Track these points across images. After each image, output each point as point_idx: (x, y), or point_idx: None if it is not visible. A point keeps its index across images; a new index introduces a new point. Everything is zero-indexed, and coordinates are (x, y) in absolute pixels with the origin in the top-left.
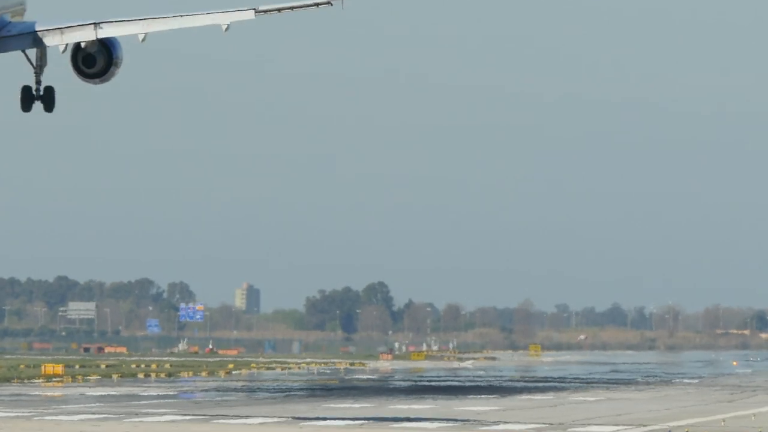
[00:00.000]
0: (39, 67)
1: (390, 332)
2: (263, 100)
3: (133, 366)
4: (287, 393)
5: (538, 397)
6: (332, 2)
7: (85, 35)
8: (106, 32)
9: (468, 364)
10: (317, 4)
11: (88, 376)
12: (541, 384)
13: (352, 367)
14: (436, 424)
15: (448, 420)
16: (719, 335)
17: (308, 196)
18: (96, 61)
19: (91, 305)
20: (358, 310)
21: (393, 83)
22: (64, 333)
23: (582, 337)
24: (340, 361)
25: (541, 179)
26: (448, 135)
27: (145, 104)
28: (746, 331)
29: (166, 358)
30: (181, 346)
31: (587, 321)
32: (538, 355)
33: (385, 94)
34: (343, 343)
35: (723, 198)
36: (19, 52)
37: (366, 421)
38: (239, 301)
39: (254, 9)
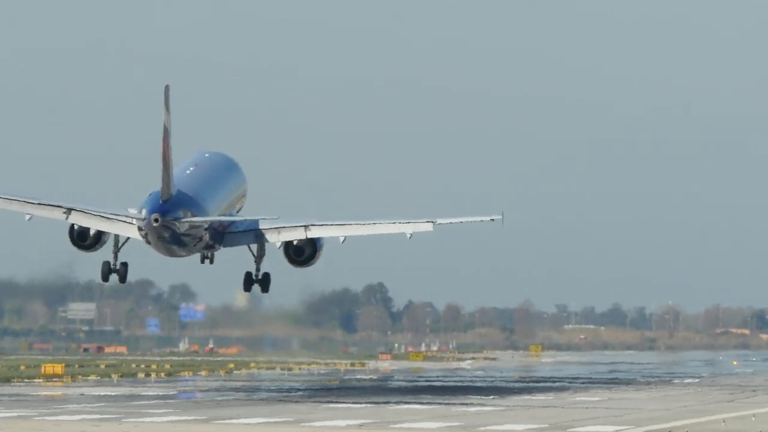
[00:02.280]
0: (259, 258)
1: (389, 333)
2: (266, 103)
3: (133, 366)
4: (287, 393)
5: (538, 397)
6: (496, 219)
7: (297, 235)
8: (313, 233)
9: (467, 364)
10: (484, 220)
11: (88, 376)
12: (541, 384)
13: (352, 368)
14: (436, 424)
15: (448, 420)
16: (719, 335)
17: (305, 197)
18: (304, 251)
19: (92, 305)
20: (357, 311)
21: (393, 87)
22: (63, 333)
23: (582, 337)
24: (340, 361)
25: (541, 180)
26: (449, 136)
27: (137, 106)
28: (746, 331)
29: (166, 358)
30: (182, 345)
31: (587, 321)
32: (538, 355)
33: (384, 97)
34: (343, 344)
35: (723, 198)
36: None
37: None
38: (240, 300)
39: (432, 221)
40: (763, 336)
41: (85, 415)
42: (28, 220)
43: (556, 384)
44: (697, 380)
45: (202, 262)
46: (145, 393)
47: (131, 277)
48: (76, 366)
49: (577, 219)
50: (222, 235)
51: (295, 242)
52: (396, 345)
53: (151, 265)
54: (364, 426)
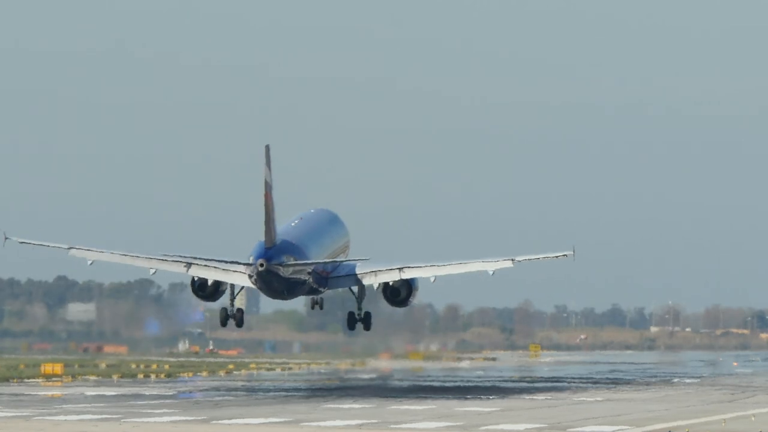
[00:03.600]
0: (360, 298)
1: (151, 274)
2: (263, 104)
3: (133, 366)
4: (287, 393)
5: (538, 397)
6: (568, 254)
7: (392, 276)
8: (407, 275)
9: (467, 364)
10: (557, 256)
11: (88, 375)
12: (541, 384)
13: (352, 368)
14: (436, 424)
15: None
16: (719, 335)
17: (308, 197)
18: (400, 292)
19: (91, 306)
20: None
21: (393, 89)
22: (63, 334)
23: (582, 337)
24: (340, 361)
25: (541, 180)
26: (449, 137)
27: (142, 107)
28: (746, 331)
29: (165, 358)
30: (182, 346)
31: (587, 321)
32: (537, 355)
33: (382, 98)
34: (344, 344)
35: (723, 198)
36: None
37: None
38: (239, 303)
39: (512, 259)
40: (764, 336)
41: (84, 415)
42: (153, 273)
43: (556, 384)
44: (697, 380)
45: (312, 308)
46: (145, 393)
47: (130, 276)
48: (76, 366)
49: (577, 219)
50: (326, 279)
51: (391, 284)
52: (395, 345)
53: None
54: (363, 426)
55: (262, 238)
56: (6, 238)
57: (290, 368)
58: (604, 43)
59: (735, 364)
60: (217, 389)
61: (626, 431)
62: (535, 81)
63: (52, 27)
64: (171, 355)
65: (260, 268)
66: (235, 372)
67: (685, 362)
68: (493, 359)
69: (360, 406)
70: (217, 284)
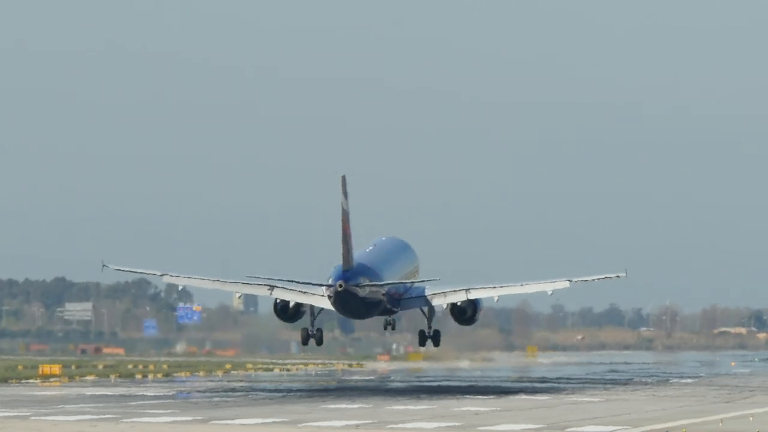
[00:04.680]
0: (429, 318)
1: (387, 333)
2: (271, 106)
3: (131, 366)
4: (285, 394)
5: (535, 397)
6: (621, 275)
7: (459, 297)
8: (473, 295)
9: (465, 364)
10: (610, 277)
11: (86, 376)
12: (538, 384)
13: (350, 368)
14: (434, 424)
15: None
16: (716, 335)
17: (300, 197)
18: (467, 312)
19: (88, 306)
20: None
21: (393, 89)
22: (61, 334)
23: (579, 337)
24: (338, 362)
25: (538, 179)
26: (449, 138)
27: (141, 108)
28: (744, 331)
29: (164, 359)
30: (179, 347)
31: (584, 321)
32: (534, 355)
33: (382, 98)
34: (341, 344)
35: (720, 198)
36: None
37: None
38: (237, 302)
39: (569, 280)
40: (761, 336)
41: (82, 415)
42: (239, 297)
43: (554, 384)
44: (694, 380)
45: (385, 328)
46: (143, 393)
47: (128, 277)
48: (74, 367)
49: (574, 219)
50: (399, 301)
51: (458, 303)
52: (394, 345)
53: (148, 265)
54: (361, 426)
55: (340, 262)
56: (104, 266)
57: (288, 369)
58: (604, 43)
59: (732, 364)
60: (214, 389)
61: (623, 431)
62: (536, 81)
63: (53, 27)
64: (169, 355)
65: (339, 289)
66: (232, 372)
67: (682, 362)
68: (491, 360)
69: (358, 406)
70: (298, 306)
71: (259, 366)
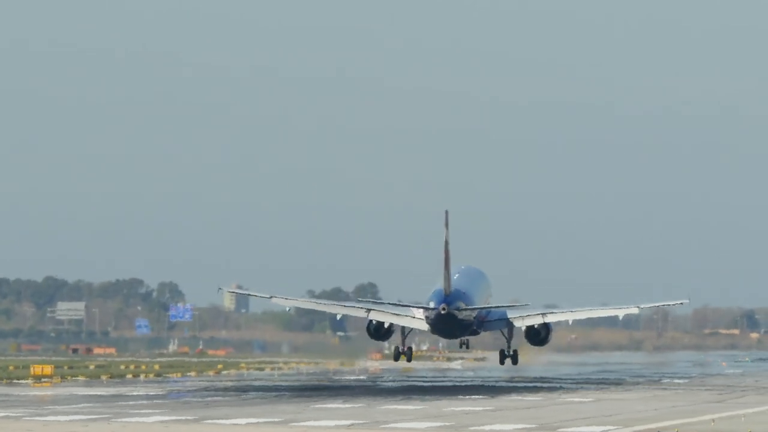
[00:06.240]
0: (509, 338)
1: (337, 318)
2: (262, 104)
3: (122, 367)
4: (277, 393)
5: (528, 397)
6: (684, 302)
7: (537, 320)
8: (549, 319)
9: (458, 364)
10: (675, 304)
11: (77, 376)
12: (530, 384)
13: (342, 368)
14: (426, 424)
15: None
16: (708, 335)
17: (299, 197)
18: (540, 333)
19: (80, 305)
20: None
21: (393, 89)
22: (53, 333)
23: (572, 336)
24: (329, 361)
25: (538, 179)
26: (449, 138)
27: (134, 107)
28: (735, 331)
29: (156, 360)
30: (172, 346)
31: (577, 321)
32: (526, 355)
33: (382, 98)
34: (333, 344)
35: (711, 198)
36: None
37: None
38: (228, 302)
39: (638, 306)
40: (753, 336)
41: (74, 415)
42: (339, 318)
43: (546, 384)
44: (686, 380)
45: (460, 347)
46: (135, 393)
47: (119, 275)
48: (65, 367)
49: (567, 220)
50: (482, 323)
51: (535, 326)
52: (386, 344)
53: (139, 264)
54: (353, 426)
55: (436, 287)
56: (219, 289)
57: (280, 368)
58: (604, 43)
59: (724, 364)
60: (206, 389)
61: (615, 431)
62: (536, 81)
63: (53, 27)
64: (161, 355)
65: (442, 312)
66: (224, 372)
67: (674, 363)
68: (483, 359)
69: (349, 406)
70: (390, 326)
71: (252, 365)
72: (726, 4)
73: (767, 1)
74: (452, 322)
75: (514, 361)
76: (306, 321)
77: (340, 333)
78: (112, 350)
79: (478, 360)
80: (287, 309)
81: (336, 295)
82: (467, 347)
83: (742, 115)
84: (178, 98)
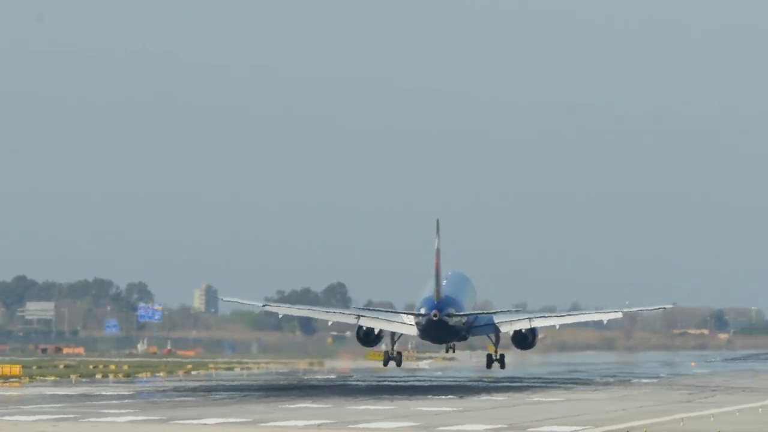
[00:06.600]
0: (496, 343)
1: (348, 333)
2: (270, 106)
3: (92, 367)
4: (246, 393)
5: (496, 397)
6: (669, 306)
7: (524, 325)
8: (535, 323)
9: (427, 364)
10: (657, 309)
11: (46, 376)
12: (499, 384)
13: (311, 367)
14: (395, 424)
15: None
16: (677, 335)
17: (267, 197)
18: (527, 338)
19: (50, 305)
20: None
21: (393, 89)
22: (21, 333)
23: (541, 336)
24: (298, 361)
25: (530, 181)
26: (449, 138)
27: (134, 107)
28: (705, 331)
29: (125, 360)
30: (141, 346)
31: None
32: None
33: (382, 98)
34: (302, 344)
35: (711, 198)
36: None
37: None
38: (198, 302)
39: (621, 311)
40: (722, 336)
41: (42, 415)
42: (330, 324)
43: (515, 384)
44: (655, 380)
45: (447, 351)
46: (104, 393)
47: (88, 275)
48: (34, 367)
49: (536, 219)
50: (471, 328)
51: (522, 331)
52: (355, 346)
53: (109, 264)
54: (322, 426)
55: (424, 293)
56: (217, 298)
57: (249, 368)
58: (604, 43)
59: (692, 364)
60: (175, 389)
61: (584, 431)
62: (536, 81)
63: (53, 27)
64: (130, 355)
65: (434, 318)
66: (193, 372)
67: (643, 363)
68: (452, 359)
69: (318, 405)
70: (380, 332)
71: (221, 365)
72: (726, 4)
73: (767, 1)
74: (443, 328)
75: (502, 365)
76: (275, 321)
77: (333, 333)
78: (81, 350)
79: (447, 360)
80: (280, 316)
81: (305, 295)
82: (453, 351)
83: (742, 115)
84: (178, 98)
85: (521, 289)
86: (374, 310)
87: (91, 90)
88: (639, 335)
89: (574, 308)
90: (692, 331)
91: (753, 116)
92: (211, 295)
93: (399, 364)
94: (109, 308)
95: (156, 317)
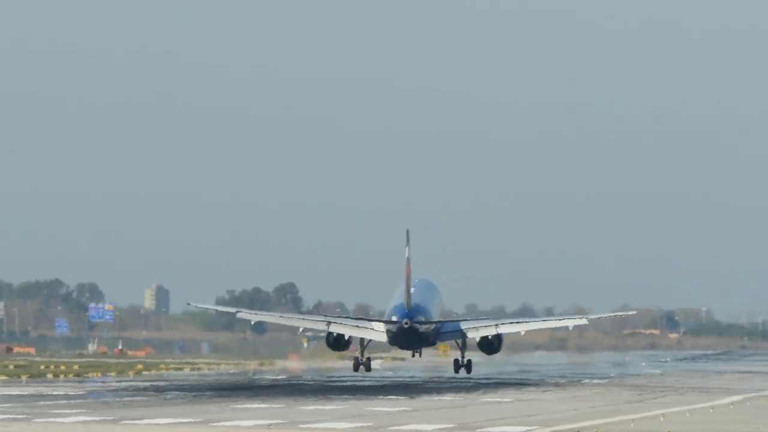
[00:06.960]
0: (463, 348)
1: (299, 332)
2: (270, 106)
3: (42, 367)
4: (196, 393)
5: (447, 397)
6: (632, 313)
7: (490, 331)
8: (501, 330)
9: (377, 364)
10: (623, 315)
11: None
12: (450, 384)
13: (261, 368)
14: (345, 424)
15: (358, 420)
16: (627, 336)
17: (219, 196)
18: (493, 344)
19: (0, 305)
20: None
21: (393, 89)
22: None
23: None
24: (249, 361)
25: (530, 181)
26: (449, 138)
27: (134, 107)
28: (656, 332)
29: (75, 360)
30: (91, 347)
31: (497, 320)
32: (447, 355)
33: (382, 98)
34: (253, 344)
35: (711, 198)
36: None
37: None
38: (149, 302)
39: (586, 317)
40: (673, 336)
41: None
42: (301, 331)
43: (466, 384)
44: (605, 381)
45: (413, 356)
46: (55, 393)
47: (40, 276)
48: None
49: (568, 219)
50: (438, 334)
51: (489, 337)
52: (305, 345)
53: (59, 264)
54: (273, 426)
55: (393, 301)
56: (188, 304)
57: (199, 368)
58: (604, 43)
59: (643, 364)
60: (126, 389)
61: (535, 431)
62: (536, 81)
63: (53, 27)
64: (80, 355)
65: (405, 326)
66: (144, 372)
67: (594, 363)
68: (402, 359)
69: (269, 406)
70: (350, 338)
71: (171, 366)
72: (726, 4)
73: (767, 1)
74: (413, 336)
75: (468, 370)
76: (226, 321)
77: (308, 334)
78: (32, 350)
79: (397, 360)
80: (252, 323)
81: (256, 295)
82: (420, 356)
83: (742, 115)
84: (178, 98)
85: (521, 289)
86: (345, 317)
87: (91, 90)
88: (590, 335)
89: (524, 309)
90: (643, 332)
91: (753, 116)
92: (162, 295)
93: (368, 369)
94: (59, 308)
95: (107, 317)
